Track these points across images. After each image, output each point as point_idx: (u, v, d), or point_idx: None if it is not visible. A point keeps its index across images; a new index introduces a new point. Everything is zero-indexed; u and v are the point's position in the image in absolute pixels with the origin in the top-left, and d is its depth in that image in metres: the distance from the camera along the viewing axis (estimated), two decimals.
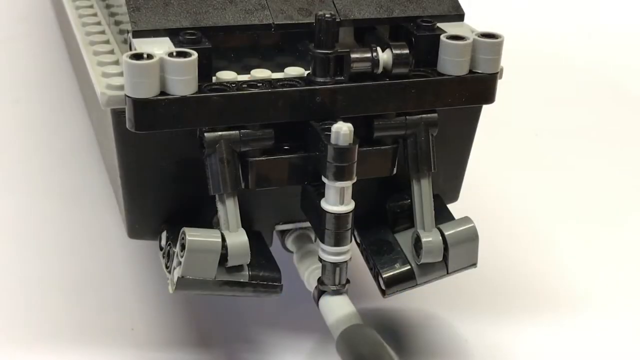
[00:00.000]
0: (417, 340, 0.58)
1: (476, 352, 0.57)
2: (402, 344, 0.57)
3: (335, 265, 0.50)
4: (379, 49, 0.50)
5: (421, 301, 0.61)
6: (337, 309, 0.51)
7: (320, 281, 0.51)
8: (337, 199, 0.48)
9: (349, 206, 0.48)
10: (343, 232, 0.49)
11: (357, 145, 0.47)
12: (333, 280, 0.51)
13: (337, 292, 0.51)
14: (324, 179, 0.48)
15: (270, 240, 0.55)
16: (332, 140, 0.47)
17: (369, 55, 0.49)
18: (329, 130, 0.47)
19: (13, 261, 0.64)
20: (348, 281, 0.51)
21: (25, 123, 0.85)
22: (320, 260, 0.50)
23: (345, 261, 0.50)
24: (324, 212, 0.48)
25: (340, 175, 0.47)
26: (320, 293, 0.52)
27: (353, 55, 0.49)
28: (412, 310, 0.60)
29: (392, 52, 0.50)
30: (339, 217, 0.48)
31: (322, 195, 0.49)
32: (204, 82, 0.48)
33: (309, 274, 0.54)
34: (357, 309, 0.51)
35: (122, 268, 0.63)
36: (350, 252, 0.50)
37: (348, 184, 0.48)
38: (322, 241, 0.49)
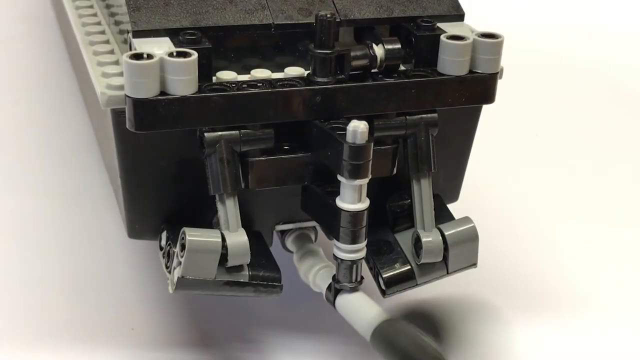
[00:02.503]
0: None
1: (476, 352, 0.57)
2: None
3: (353, 262, 0.50)
4: (374, 45, 0.50)
5: (421, 301, 0.61)
6: (361, 306, 0.50)
7: (335, 280, 0.51)
8: (354, 197, 0.48)
9: (365, 203, 0.48)
10: (359, 229, 0.49)
11: (372, 143, 0.47)
12: (350, 278, 0.50)
13: (354, 290, 0.51)
14: (339, 178, 0.48)
15: (270, 240, 0.55)
16: (349, 139, 0.47)
17: (366, 51, 0.49)
18: (340, 129, 0.47)
19: (13, 261, 0.64)
20: (362, 278, 0.51)
21: (25, 123, 0.85)
22: (336, 258, 0.50)
23: (362, 258, 0.50)
24: (340, 210, 0.48)
25: (356, 173, 0.47)
26: (336, 292, 0.51)
27: (351, 54, 0.49)
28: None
29: (384, 47, 0.50)
30: (356, 215, 0.48)
31: (332, 194, 0.49)
32: (204, 82, 0.48)
33: (314, 275, 0.54)
34: None
35: (122, 268, 0.63)
36: (365, 249, 0.50)
37: (364, 182, 0.48)
38: (338, 239, 0.49)
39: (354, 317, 0.50)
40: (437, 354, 0.47)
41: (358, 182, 0.47)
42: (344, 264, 0.50)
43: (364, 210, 0.48)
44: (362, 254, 0.50)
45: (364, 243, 0.50)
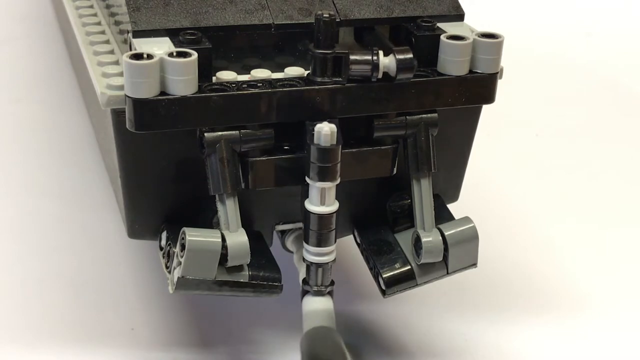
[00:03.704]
0: (417, 340, 0.58)
1: (476, 352, 0.57)
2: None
3: (318, 266, 0.50)
4: (380, 52, 0.49)
5: (421, 301, 0.61)
6: (313, 309, 0.51)
7: (304, 281, 0.51)
8: (319, 200, 0.48)
9: (331, 207, 0.49)
10: (326, 233, 0.49)
11: (340, 146, 0.47)
12: (315, 280, 0.51)
13: (319, 293, 0.51)
14: (307, 179, 0.48)
15: (270, 240, 0.55)
16: (315, 141, 0.47)
17: (368, 57, 0.49)
18: None
19: (13, 261, 0.64)
20: (332, 282, 0.51)
21: (25, 123, 0.85)
22: (304, 260, 0.50)
23: (328, 262, 0.50)
24: (308, 212, 0.48)
25: (322, 176, 0.47)
26: (305, 293, 0.52)
27: (352, 57, 0.49)
28: (412, 310, 0.60)
29: (395, 57, 0.48)
30: (322, 218, 0.48)
31: None
32: (204, 82, 0.48)
33: (303, 274, 0.54)
34: (357, 309, 0.51)
35: (122, 268, 0.63)
36: (334, 254, 0.50)
37: (330, 185, 0.48)
38: (306, 241, 0.49)
39: (305, 318, 0.51)
40: None
41: (322, 184, 0.48)
42: (310, 266, 0.50)
43: (329, 213, 0.48)
44: (329, 258, 0.50)
45: (331, 248, 0.50)
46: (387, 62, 0.49)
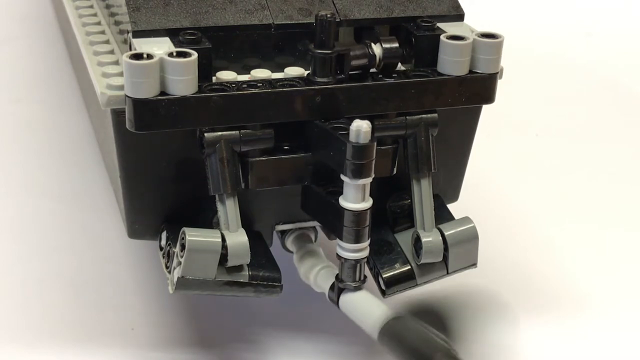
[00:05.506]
0: None
1: (476, 352, 0.57)
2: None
3: (356, 261, 0.50)
4: (372, 44, 0.50)
5: (421, 301, 0.61)
6: (366, 305, 0.50)
7: (339, 279, 0.51)
8: (358, 197, 0.48)
9: (368, 203, 0.48)
10: (363, 228, 0.49)
11: (375, 142, 0.47)
12: (354, 277, 0.50)
13: (358, 288, 0.51)
14: (343, 177, 0.48)
15: (270, 240, 0.55)
16: (352, 139, 0.47)
17: (365, 51, 0.50)
18: (341, 129, 0.47)
19: (13, 261, 0.64)
20: (366, 277, 0.51)
21: (25, 123, 0.85)
22: (339, 257, 0.50)
23: (366, 257, 0.50)
24: (343, 210, 0.48)
25: (360, 173, 0.47)
26: (340, 291, 0.51)
27: (351, 53, 0.49)
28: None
29: (381, 46, 0.50)
30: (359, 214, 0.48)
31: (333, 194, 0.49)
32: (204, 82, 0.48)
33: (316, 275, 0.53)
34: None
35: (122, 268, 0.63)
36: (368, 248, 0.50)
37: (367, 181, 0.48)
38: (341, 239, 0.49)
39: (359, 316, 0.50)
40: (446, 347, 0.47)
41: (361, 181, 0.47)
42: (347, 263, 0.50)
43: (367, 209, 0.48)
44: (366, 253, 0.50)
45: (367, 242, 0.50)
46: (377, 51, 0.50)
